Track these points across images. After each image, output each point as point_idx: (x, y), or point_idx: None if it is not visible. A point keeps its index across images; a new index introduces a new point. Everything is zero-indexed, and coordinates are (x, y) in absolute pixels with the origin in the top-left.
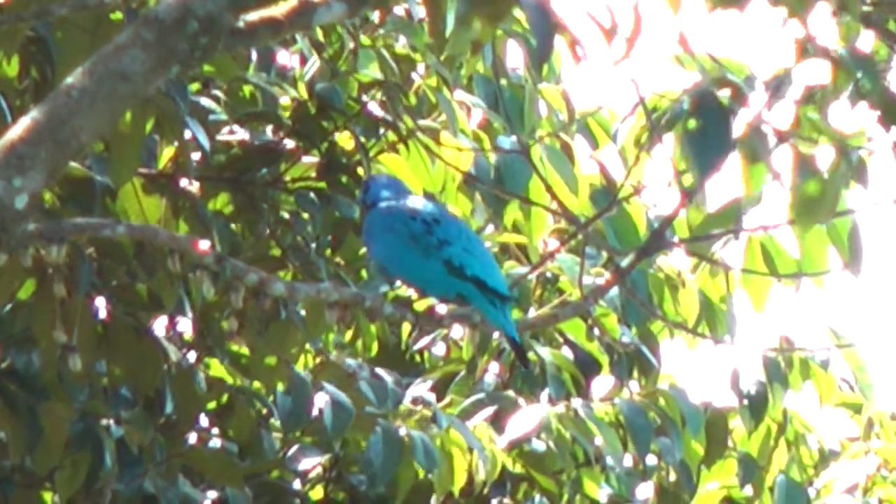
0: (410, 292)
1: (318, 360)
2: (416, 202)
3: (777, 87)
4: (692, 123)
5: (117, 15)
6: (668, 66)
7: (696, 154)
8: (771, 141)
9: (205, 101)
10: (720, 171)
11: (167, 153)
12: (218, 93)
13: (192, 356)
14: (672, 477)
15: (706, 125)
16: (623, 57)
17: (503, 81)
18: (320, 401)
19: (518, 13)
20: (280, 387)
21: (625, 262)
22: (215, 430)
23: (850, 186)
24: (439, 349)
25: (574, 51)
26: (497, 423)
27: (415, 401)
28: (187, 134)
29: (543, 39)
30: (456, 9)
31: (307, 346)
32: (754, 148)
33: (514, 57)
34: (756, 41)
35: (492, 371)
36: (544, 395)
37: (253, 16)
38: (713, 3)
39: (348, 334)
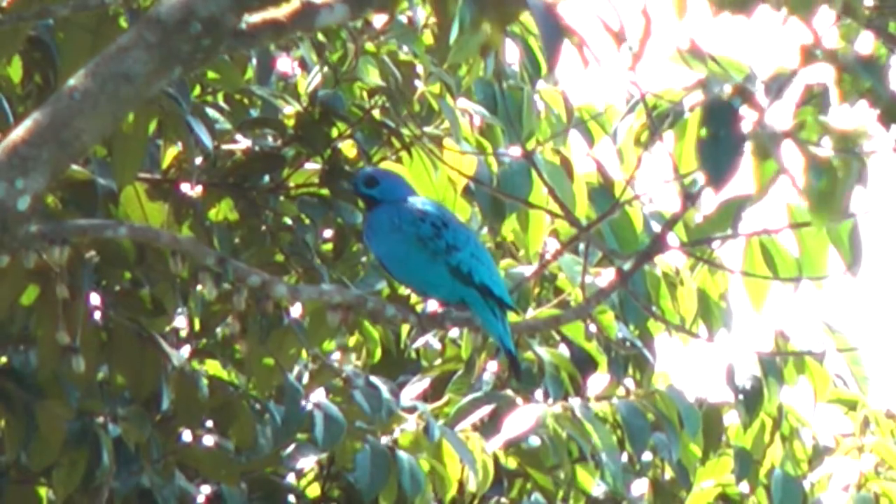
0: (409, 292)
1: (314, 363)
2: (425, 203)
3: (779, 87)
4: (703, 132)
5: (121, 18)
6: (667, 65)
7: (710, 163)
8: (778, 139)
9: (208, 111)
10: (733, 178)
11: (170, 153)
12: (220, 102)
13: (187, 352)
14: (667, 474)
15: (718, 133)
16: (634, 62)
17: (504, 85)
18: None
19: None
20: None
21: (626, 266)
22: (209, 425)
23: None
24: (436, 347)
25: (582, 54)
26: (494, 421)
27: (408, 410)
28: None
29: (552, 44)
30: (464, 13)
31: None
32: (764, 145)
33: (513, 57)
34: (759, 43)
35: (489, 370)
36: (538, 392)
37: (255, 17)
38: (719, 6)
39: (352, 340)
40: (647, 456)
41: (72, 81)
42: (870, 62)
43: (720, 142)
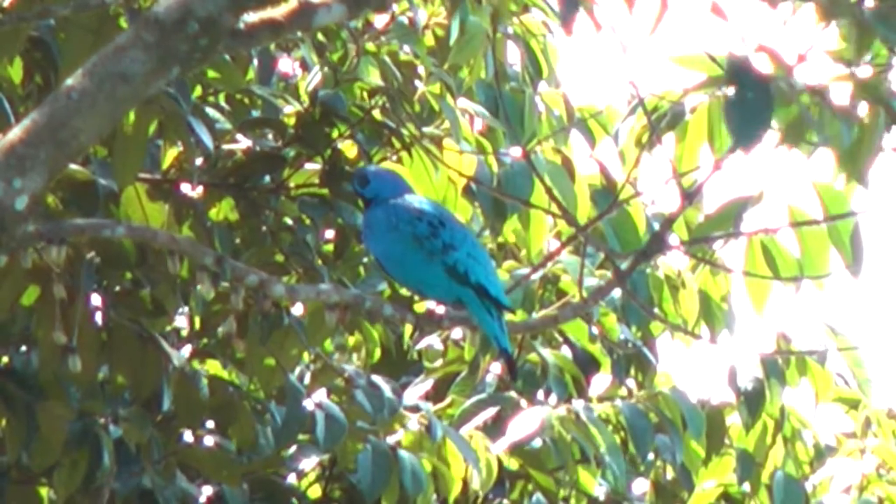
0: (410, 292)
1: (316, 363)
2: (422, 202)
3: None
4: (731, 92)
5: (122, 18)
6: (668, 65)
7: (740, 125)
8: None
9: (208, 111)
10: (762, 141)
11: (171, 153)
12: (221, 102)
13: (187, 352)
14: (669, 475)
15: (746, 95)
16: (652, 30)
17: (505, 86)
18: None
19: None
20: (276, 385)
21: (625, 265)
22: (210, 425)
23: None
24: (438, 349)
25: (594, 18)
26: (498, 423)
27: (411, 409)
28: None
29: (568, 10)
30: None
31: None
32: (787, 94)
33: (514, 59)
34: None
35: (493, 371)
36: (539, 393)
37: (253, 17)
38: None
39: (351, 340)
40: (648, 456)
41: (69, 81)
42: (886, 16)
43: (748, 104)
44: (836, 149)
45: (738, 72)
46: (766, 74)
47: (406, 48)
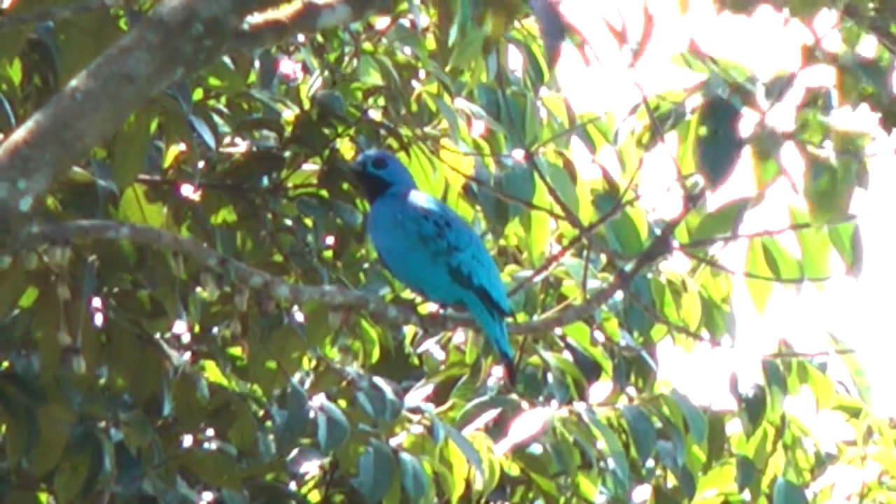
0: (413, 295)
1: (317, 366)
2: (429, 201)
3: (780, 89)
4: (702, 130)
5: (122, 20)
6: (669, 66)
7: (708, 162)
8: (778, 140)
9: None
10: (731, 177)
11: (172, 152)
12: (221, 106)
13: (187, 355)
14: (670, 482)
15: (717, 132)
16: (634, 60)
17: (507, 91)
18: (317, 406)
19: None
20: (277, 391)
21: (628, 267)
22: (211, 432)
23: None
24: (439, 354)
25: (583, 53)
26: (500, 426)
27: (413, 411)
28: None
29: (553, 42)
30: (466, 8)
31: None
32: (764, 145)
33: (515, 63)
34: (761, 43)
35: (495, 374)
36: (541, 397)
37: (257, 18)
38: (721, 5)
39: (354, 344)
40: (649, 463)
41: (74, 82)
42: (871, 65)
43: (718, 141)
44: (809, 199)
45: (710, 108)
46: (737, 112)
47: (405, 49)
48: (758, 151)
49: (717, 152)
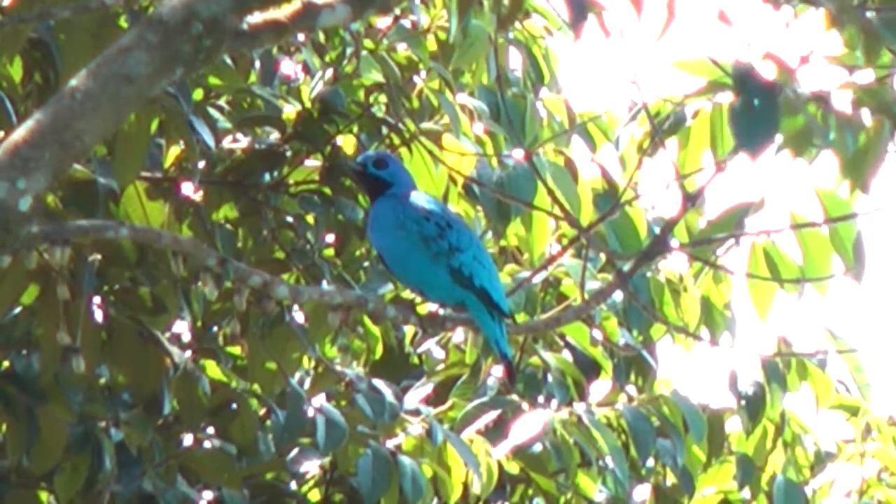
0: (413, 295)
1: (316, 366)
2: (430, 201)
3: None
4: (737, 101)
5: (122, 20)
6: (669, 69)
7: (745, 133)
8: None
9: (209, 110)
10: (769, 147)
11: (173, 152)
12: (222, 103)
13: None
14: (669, 480)
15: (752, 102)
16: (660, 35)
17: (507, 92)
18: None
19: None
20: (277, 390)
21: (627, 267)
22: (211, 431)
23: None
24: (439, 353)
25: (603, 23)
26: (500, 426)
27: (412, 413)
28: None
29: (578, 15)
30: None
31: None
32: (793, 103)
33: (515, 64)
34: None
35: (495, 375)
36: (541, 397)
37: (257, 18)
38: None
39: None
40: (649, 462)
41: (73, 82)
42: (893, 23)
43: (755, 111)
44: (840, 156)
45: (744, 79)
46: (772, 82)
47: (405, 47)
48: (787, 108)
49: (754, 122)
